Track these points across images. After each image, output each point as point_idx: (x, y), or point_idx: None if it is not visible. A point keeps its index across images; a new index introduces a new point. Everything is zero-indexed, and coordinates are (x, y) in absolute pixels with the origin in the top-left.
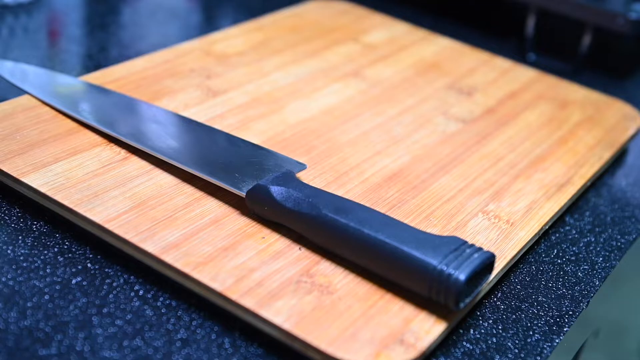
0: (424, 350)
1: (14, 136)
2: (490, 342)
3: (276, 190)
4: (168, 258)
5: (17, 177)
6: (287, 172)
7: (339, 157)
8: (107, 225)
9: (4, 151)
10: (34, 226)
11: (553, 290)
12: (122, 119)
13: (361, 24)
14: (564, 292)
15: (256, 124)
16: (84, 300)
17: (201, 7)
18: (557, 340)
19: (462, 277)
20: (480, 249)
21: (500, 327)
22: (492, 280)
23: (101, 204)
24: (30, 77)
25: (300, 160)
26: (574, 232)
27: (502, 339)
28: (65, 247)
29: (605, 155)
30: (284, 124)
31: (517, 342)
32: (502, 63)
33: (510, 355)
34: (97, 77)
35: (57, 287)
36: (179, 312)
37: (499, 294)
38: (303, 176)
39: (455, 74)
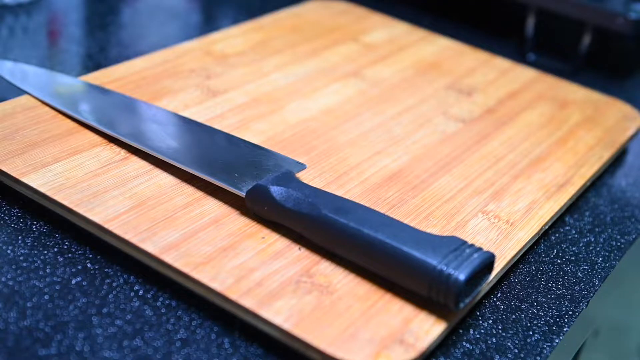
0: (423, 350)
1: (13, 136)
2: (490, 342)
3: (276, 190)
4: (168, 258)
5: (17, 177)
6: (287, 172)
7: (338, 157)
8: (107, 226)
9: (4, 151)
10: (34, 226)
11: (553, 290)
12: (122, 119)
13: (361, 24)
14: (563, 292)
15: (256, 124)
16: (83, 300)
17: (201, 7)
18: (557, 340)
19: (462, 277)
20: (480, 249)
21: (500, 327)
22: (492, 280)
23: (101, 204)
24: (30, 77)
25: (300, 160)
26: (573, 232)
27: (501, 339)
28: (65, 247)
29: (605, 155)
30: (284, 124)
31: (516, 342)
32: (502, 63)
33: (510, 355)
34: (97, 77)
35: (57, 287)
36: (179, 312)
37: (499, 294)
38: (303, 176)
39: (455, 74)
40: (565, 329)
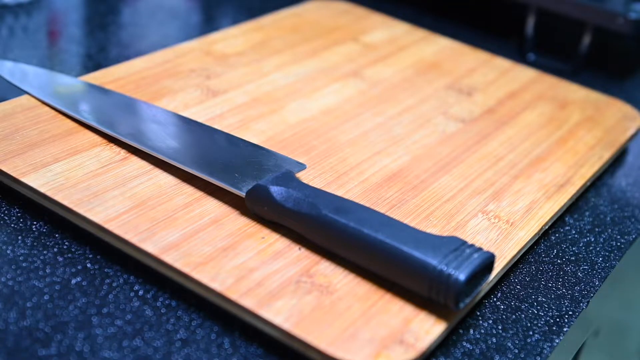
0: (423, 350)
1: (13, 136)
2: (490, 342)
3: (276, 190)
4: (168, 258)
5: (17, 177)
6: (287, 172)
7: (338, 157)
8: (107, 226)
9: (4, 151)
10: (34, 226)
11: (553, 290)
12: (122, 119)
13: (361, 24)
14: (564, 292)
15: (256, 124)
16: (83, 301)
17: (201, 7)
18: (557, 340)
19: (462, 277)
20: (480, 249)
21: (500, 327)
22: (492, 280)
23: (101, 204)
24: (30, 77)
25: (300, 160)
26: (573, 232)
27: (502, 339)
28: (65, 247)
29: (605, 155)
30: (284, 124)
31: (517, 342)
32: (502, 63)
33: (510, 356)
34: (97, 77)
35: (57, 287)
36: (179, 312)
37: (499, 294)
38: (303, 176)
39: (455, 74)
40: (565, 329)
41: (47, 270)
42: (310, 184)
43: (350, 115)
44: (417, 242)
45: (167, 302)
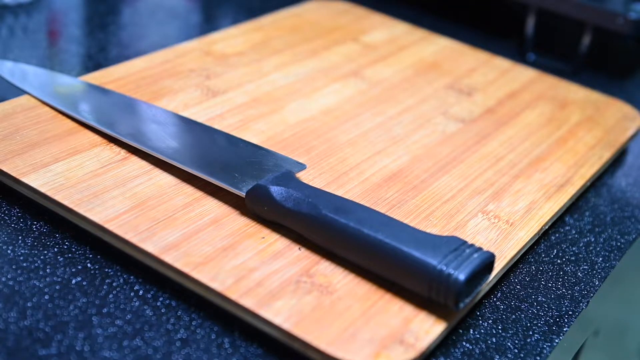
0: (423, 350)
1: (13, 136)
2: (489, 342)
3: (276, 190)
4: (168, 258)
5: (17, 177)
6: (287, 172)
7: (338, 157)
8: (107, 226)
9: (4, 151)
10: (34, 226)
11: (553, 290)
12: (122, 119)
13: (361, 24)
14: (563, 292)
15: (256, 124)
16: (83, 300)
17: (201, 7)
18: (556, 340)
19: (461, 277)
20: (480, 249)
21: (499, 327)
22: (491, 280)
23: (101, 204)
24: (30, 77)
25: (300, 160)
26: (573, 232)
27: (501, 339)
28: (65, 247)
29: (605, 155)
30: (284, 124)
31: (516, 342)
32: (501, 63)
33: (509, 355)
34: (97, 77)
35: (57, 287)
36: (179, 312)
37: (499, 294)
38: (303, 176)
39: (455, 74)
40: (565, 329)
41: (48, 270)
42: (310, 184)
43: (350, 115)
44: (417, 242)
45: (167, 302)
